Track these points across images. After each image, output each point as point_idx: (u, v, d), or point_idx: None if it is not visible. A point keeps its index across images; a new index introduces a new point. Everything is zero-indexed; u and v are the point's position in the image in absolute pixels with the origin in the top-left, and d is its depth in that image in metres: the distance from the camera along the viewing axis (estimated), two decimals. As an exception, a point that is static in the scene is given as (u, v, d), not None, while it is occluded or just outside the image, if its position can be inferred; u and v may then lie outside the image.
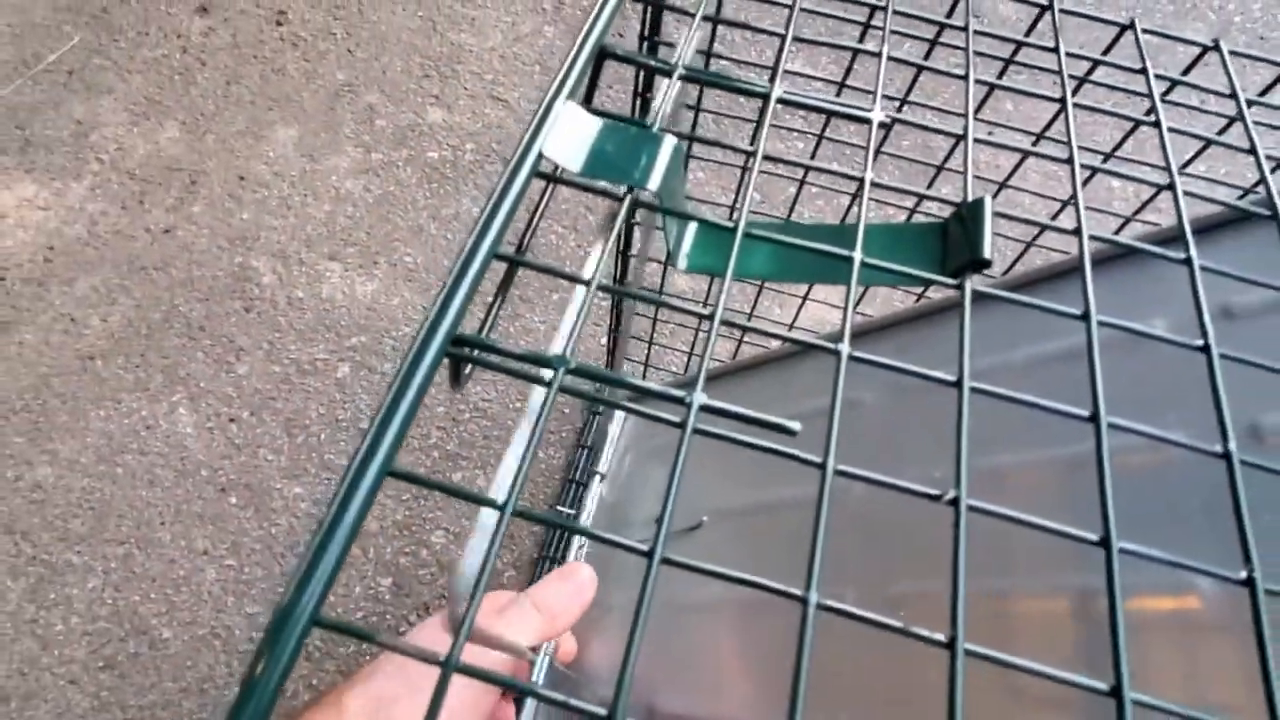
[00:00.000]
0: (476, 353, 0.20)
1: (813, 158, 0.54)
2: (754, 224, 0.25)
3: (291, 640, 0.15)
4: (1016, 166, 0.42)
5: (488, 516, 0.17)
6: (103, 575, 0.82)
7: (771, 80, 0.27)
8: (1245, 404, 0.35)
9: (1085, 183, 0.43)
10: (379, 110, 1.13)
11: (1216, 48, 0.35)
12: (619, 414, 0.81)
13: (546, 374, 0.19)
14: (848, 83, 0.44)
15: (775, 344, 0.71)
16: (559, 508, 0.71)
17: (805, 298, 0.66)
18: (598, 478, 0.71)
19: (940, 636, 0.18)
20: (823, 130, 0.47)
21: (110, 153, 1.09)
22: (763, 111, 0.27)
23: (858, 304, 0.67)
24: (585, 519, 0.72)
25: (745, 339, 0.76)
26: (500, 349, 0.20)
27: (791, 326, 0.71)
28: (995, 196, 0.51)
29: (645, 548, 0.17)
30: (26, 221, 1.03)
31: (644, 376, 0.84)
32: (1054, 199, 0.49)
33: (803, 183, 0.49)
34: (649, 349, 0.78)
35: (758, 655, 0.49)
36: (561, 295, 1.00)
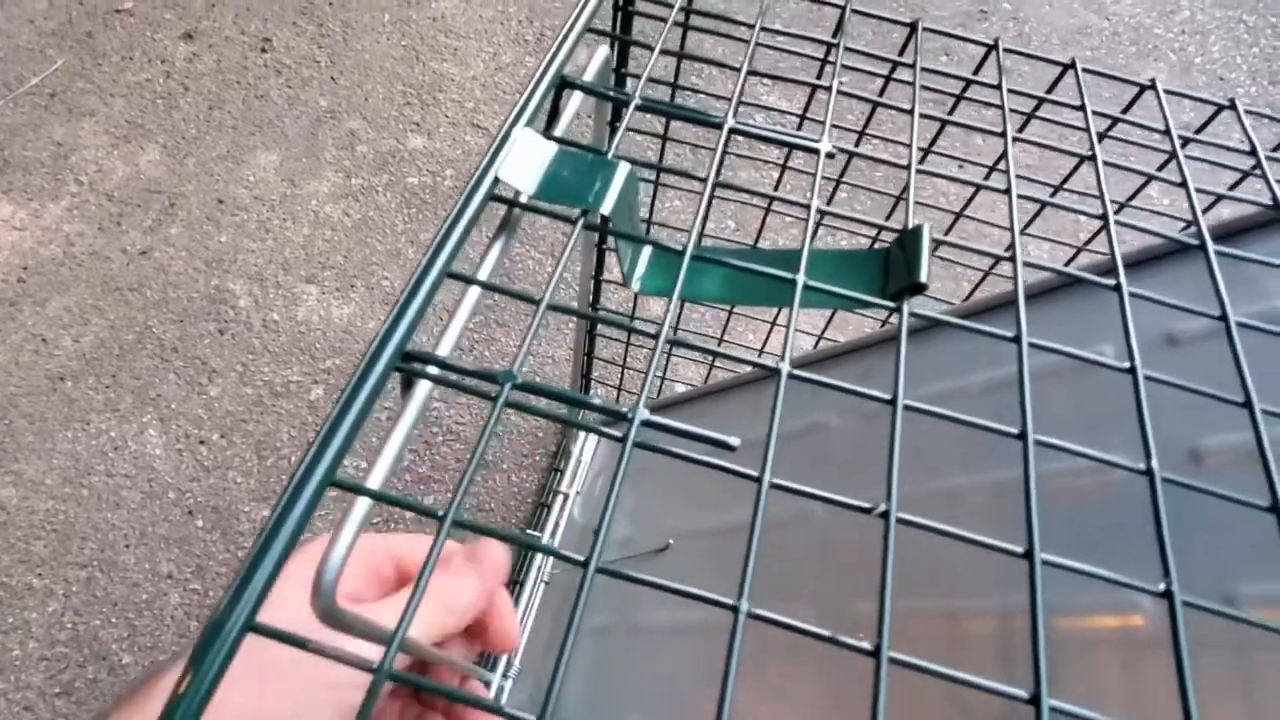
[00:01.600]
0: (426, 368, 0.21)
1: (776, 188, 0.55)
2: (706, 249, 0.26)
3: (223, 650, 0.15)
4: (970, 200, 0.44)
5: (360, 506, 0.18)
6: (63, 599, 0.81)
7: (729, 113, 0.28)
8: (1186, 429, 0.36)
9: (1033, 218, 0.45)
10: (360, 136, 1.14)
11: (1153, 87, 0.36)
12: (586, 436, 0.82)
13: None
14: (814, 117, 0.46)
15: (744, 369, 0.72)
16: (529, 531, 0.71)
17: (773, 322, 0.67)
18: (560, 498, 0.71)
19: (866, 645, 0.18)
20: (785, 161, 0.48)
21: (89, 175, 1.09)
22: (720, 141, 0.28)
23: (824, 330, 0.68)
24: (548, 540, 0.72)
25: (716, 364, 0.77)
26: (450, 364, 0.21)
27: (762, 350, 0.72)
28: (950, 229, 0.53)
29: (581, 558, 0.18)
30: (1, 242, 1.02)
31: (617, 400, 0.85)
32: (1006, 228, 0.50)
33: (768, 211, 0.51)
34: (621, 374, 0.78)
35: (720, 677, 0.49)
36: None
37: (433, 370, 0.20)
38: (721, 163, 0.27)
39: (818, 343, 0.69)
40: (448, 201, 1.10)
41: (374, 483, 0.18)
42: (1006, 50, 0.37)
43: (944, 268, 0.93)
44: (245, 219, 1.06)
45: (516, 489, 0.88)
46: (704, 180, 0.27)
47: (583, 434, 0.79)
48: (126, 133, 1.13)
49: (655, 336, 0.22)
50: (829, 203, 0.52)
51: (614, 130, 0.46)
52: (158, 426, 0.91)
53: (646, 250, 0.30)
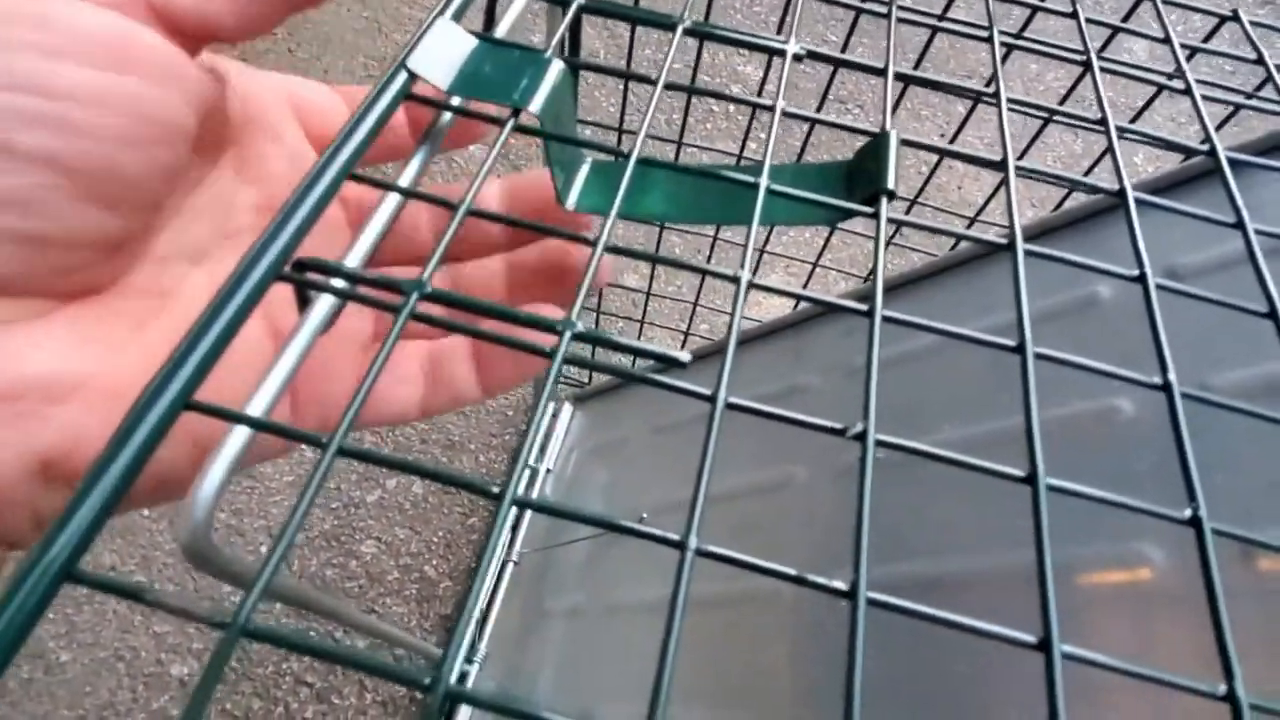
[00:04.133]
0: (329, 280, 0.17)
1: (746, 138, 0.51)
2: (654, 161, 0.23)
3: (35, 596, 0.12)
4: (960, 127, 0.41)
5: (238, 436, 0.14)
6: (-1, 595, 0.76)
7: (684, 10, 0.25)
8: (1194, 368, 0.33)
9: (1038, 127, 0.41)
10: (319, 109, 1.10)
11: (1236, 18, 0.34)
12: (564, 414, 0.79)
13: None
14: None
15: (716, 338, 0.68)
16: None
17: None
18: (529, 472, 0.68)
19: (841, 585, 0.15)
20: (763, 79, 0.45)
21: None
22: (674, 41, 0.25)
23: (806, 283, 0.65)
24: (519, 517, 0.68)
25: (692, 331, 0.74)
26: (347, 272, 0.17)
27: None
28: (927, 184, 0.49)
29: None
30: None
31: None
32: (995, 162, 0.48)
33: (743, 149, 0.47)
34: (597, 319, 0.75)
35: (699, 655, 0.46)
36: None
37: (336, 282, 0.17)
38: (668, 59, 0.23)
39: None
40: (410, 175, 1.06)
41: (257, 409, 0.15)
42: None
43: (938, 220, 0.90)
44: (197, 196, 1.01)
45: (485, 469, 0.85)
46: (652, 81, 0.24)
47: (552, 405, 0.75)
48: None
49: (594, 243, 0.19)
50: (806, 142, 0.49)
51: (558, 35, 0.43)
52: (104, 413, 0.86)
53: (585, 167, 0.27)
